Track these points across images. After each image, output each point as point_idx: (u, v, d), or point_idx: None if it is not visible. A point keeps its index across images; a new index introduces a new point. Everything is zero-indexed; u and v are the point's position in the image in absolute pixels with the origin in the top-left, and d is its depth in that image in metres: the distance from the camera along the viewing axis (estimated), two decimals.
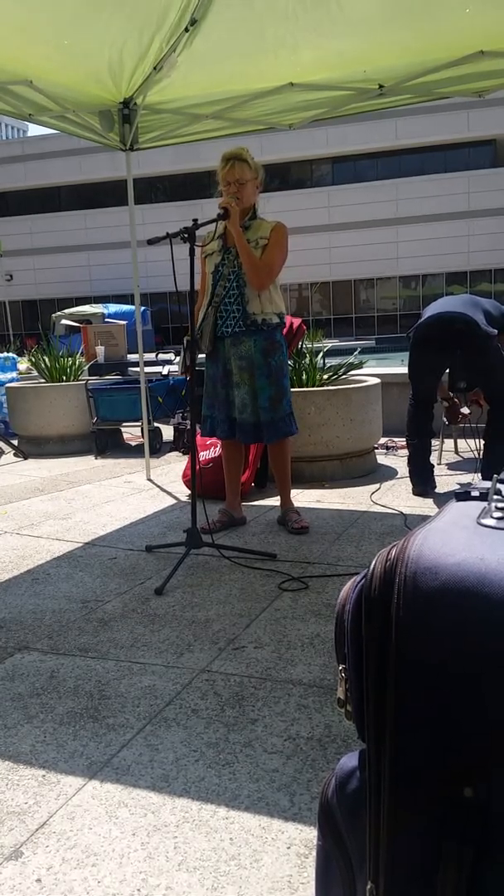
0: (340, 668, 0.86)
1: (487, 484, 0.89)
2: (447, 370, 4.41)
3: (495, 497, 0.84)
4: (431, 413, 4.28)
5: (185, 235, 2.96)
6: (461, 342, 3.95)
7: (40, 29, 3.47)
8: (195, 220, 3.05)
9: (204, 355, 3.57)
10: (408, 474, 4.33)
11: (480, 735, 0.73)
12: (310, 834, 1.44)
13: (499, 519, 0.79)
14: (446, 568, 0.74)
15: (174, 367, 7.50)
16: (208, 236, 3.53)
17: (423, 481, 4.23)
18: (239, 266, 3.36)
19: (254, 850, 1.41)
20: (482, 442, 4.27)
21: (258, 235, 3.37)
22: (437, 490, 4.27)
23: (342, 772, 0.91)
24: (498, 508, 0.81)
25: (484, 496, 0.86)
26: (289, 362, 5.01)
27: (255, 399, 3.45)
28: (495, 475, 0.88)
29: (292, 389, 4.70)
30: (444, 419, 4.84)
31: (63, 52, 3.73)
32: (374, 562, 0.80)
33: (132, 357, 8.51)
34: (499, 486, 0.86)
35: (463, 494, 0.88)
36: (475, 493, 0.87)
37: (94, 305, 22.27)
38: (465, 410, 4.76)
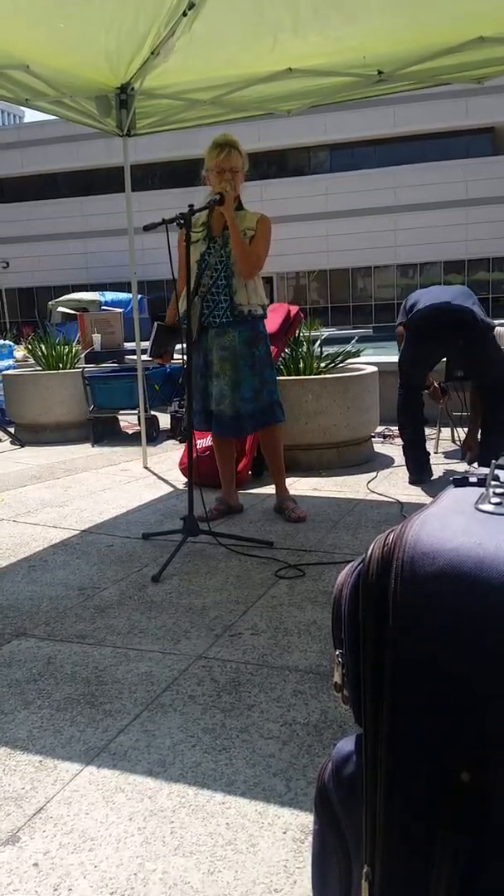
0: (337, 652, 0.86)
1: (486, 470, 0.89)
2: (440, 359, 4.41)
3: (493, 483, 0.83)
4: (422, 400, 4.29)
5: (181, 221, 2.94)
6: (462, 333, 3.96)
7: (35, 12, 3.44)
8: (191, 206, 3.04)
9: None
10: (404, 463, 4.33)
11: (478, 720, 0.73)
12: (306, 819, 1.44)
13: (497, 504, 0.79)
14: (444, 553, 0.74)
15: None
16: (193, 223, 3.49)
17: (419, 470, 4.23)
18: (226, 256, 3.33)
19: (250, 835, 1.41)
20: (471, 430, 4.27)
21: (245, 226, 3.34)
22: (433, 478, 4.27)
23: (339, 756, 0.91)
24: (496, 494, 0.81)
25: (482, 482, 0.86)
26: (286, 350, 5.02)
27: (235, 390, 3.40)
28: (493, 461, 0.87)
29: (290, 377, 4.70)
30: (435, 401, 4.82)
31: (59, 37, 3.70)
32: (371, 547, 0.80)
33: (129, 345, 8.49)
34: (497, 471, 0.86)
35: (461, 480, 0.87)
36: (473, 479, 0.87)
37: (90, 293, 22.18)
38: (438, 384, 4.71)
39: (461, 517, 0.79)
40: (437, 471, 4.45)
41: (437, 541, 0.76)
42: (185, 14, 3.63)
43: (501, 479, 0.84)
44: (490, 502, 0.80)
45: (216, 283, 3.36)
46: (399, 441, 4.41)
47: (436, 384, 4.69)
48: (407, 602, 0.75)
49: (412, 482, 4.21)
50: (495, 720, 0.72)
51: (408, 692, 0.76)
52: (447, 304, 3.96)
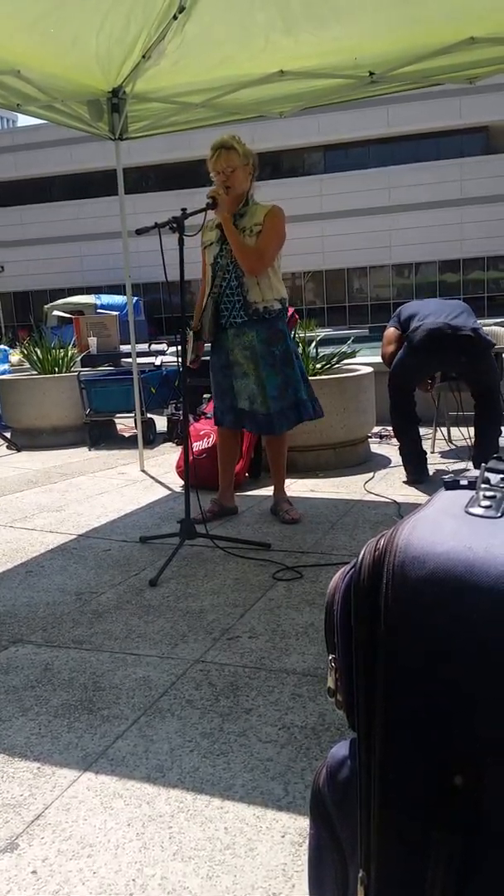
0: (330, 657, 0.86)
1: (476, 472, 0.89)
2: (437, 371, 4.50)
3: (483, 486, 0.84)
4: (414, 400, 4.31)
5: (174, 225, 2.94)
6: (465, 352, 4.03)
7: (25, 17, 3.44)
8: (184, 210, 3.04)
9: (209, 346, 3.57)
10: (401, 464, 4.34)
11: (470, 723, 0.74)
12: (304, 822, 1.44)
13: (486, 507, 0.79)
14: (434, 557, 0.74)
15: (167, 358, 7.48)
16: (207, 227, 3.51)
17: (417, 470, 4.23)
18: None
19: (248, 839, 1.41)
20: (473, 430, 4.30)
21: (253, 222, 3.35)
22: (429, 477, 4.28)
23: (333, 760, 0.91)
24: (486, 497, 0.81)
25: (472, 485, 0.86)
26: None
27: (263, 389, 3.44)
28: (483, 463, 0.88)
29: None
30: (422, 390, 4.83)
31: (49, 41, 3.70)
32: (363, 551, 0.80)
33: (125, 348, 8.49)
34: (487, 474, 0.86)
35: (452, 483, 0.88)
36: (464, 482, 0.87)
37: (86, 296, 22.17)
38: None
39: (451, 520, 0.79)
40: (433, 471, 4.45)
41: (428, 544, 0.76)
42: (175, 17, 3.64)
43: (491, 482, 0.84)
44: (480, 505, 0.80)
45: (228, 284, 3.37)
46: (395, 441, 4.42)
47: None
48: (398, 606, 0.75)
49: (411, 482, 4.22)
50: (487, 723, 0.73)
51: (400, 695, 0.76)
52: (452, 325, 4.00)
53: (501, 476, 0.86)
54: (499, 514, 0.79)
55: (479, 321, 4.21)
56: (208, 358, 3.65)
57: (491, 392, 4.13)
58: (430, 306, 4.23)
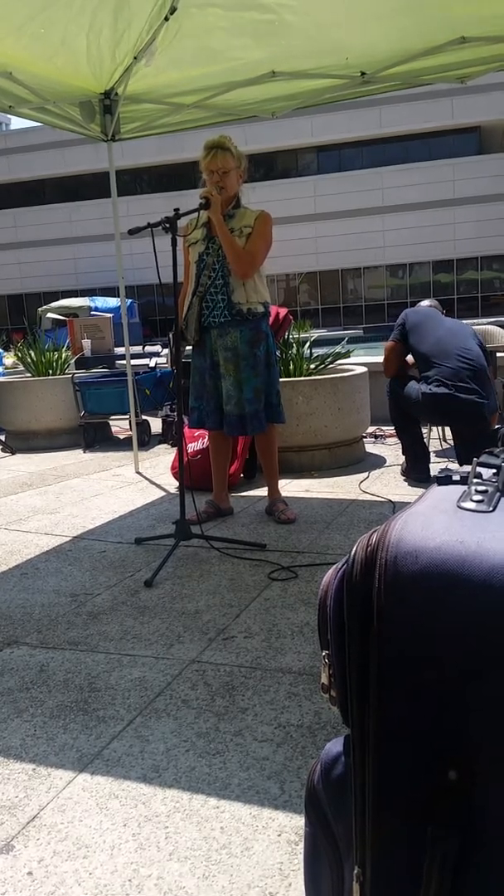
0: (324, 653, 0.86)
1: (468, 468, 0.89)
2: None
3: (475, 480, 0.84)
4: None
5: (167, 225, 2.94)
6: (477, 415, 3.92)
7: (16, 19, 3.43)
8: (176, 210, 3.04)
9: (190, 347, 3.56)
10: (398, 463, 4.33)
11: (464, 719, 0.74)
12: (300, 821, 1.44)
13: (478, 502, 0.79)
14: (426, 552, 0.74)
15: (161, 360, 7.48)
16: (191, 224, 3.51)
17: (420, 468, 4.21)
18: (224, 255, 3.35)
19: (244, 839, 1.41)
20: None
21: (242, 224, 3.35)
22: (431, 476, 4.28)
23: (328, 757, 0.91)
24: (477, 492, 0.81)
25: (464, 480, 0.86)
26: (276, 353, 5.02)
27: (240, 390, 3.43)
28: (475, 458, 0.88)
29: (280, 380, 4.69)
30: None
31: (40, 43, 3.70)
32: (355, 547, 0.80)
33: (119, 350, 8.48)
34: (478, 469, 0.86)
35: (444, 479, 0.88)
36: (456, 477, 0.87)
37: (80, 298, 22.16)
38: None
39: (443, 515, 0.79)
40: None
41: (420, 539, 0.76)
42: (166, 19, 3.64)
43: (483, 477, 0.84)
44: (472, 500, 0.80)
45: (214, 282, 3.37)
46: (390, 441, 4.42)
47: None
48: (391, 601, 0.75)
49: (414, 480, 4.21)
50: (480, 717, 0.72)
51: (394, 690, 0.76)
52: (470, 400, 3.85)
53: (493, 471, 0.86)
54: (490, 509, 0.79)
55: (475, 321, 4.17)
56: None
57: (477, 437, 4.09)
58: (443, 344, 3.98)
